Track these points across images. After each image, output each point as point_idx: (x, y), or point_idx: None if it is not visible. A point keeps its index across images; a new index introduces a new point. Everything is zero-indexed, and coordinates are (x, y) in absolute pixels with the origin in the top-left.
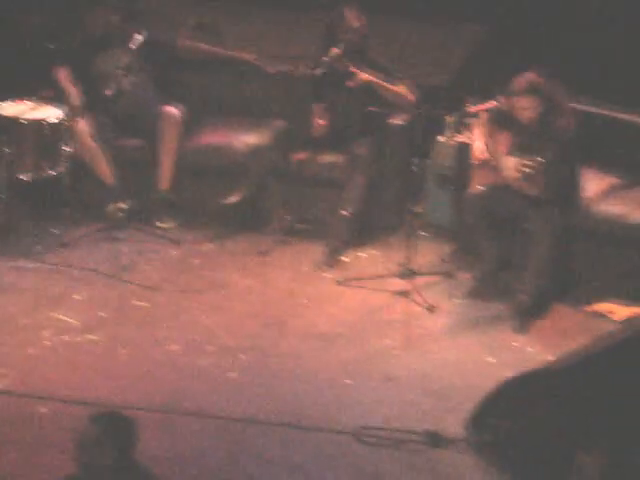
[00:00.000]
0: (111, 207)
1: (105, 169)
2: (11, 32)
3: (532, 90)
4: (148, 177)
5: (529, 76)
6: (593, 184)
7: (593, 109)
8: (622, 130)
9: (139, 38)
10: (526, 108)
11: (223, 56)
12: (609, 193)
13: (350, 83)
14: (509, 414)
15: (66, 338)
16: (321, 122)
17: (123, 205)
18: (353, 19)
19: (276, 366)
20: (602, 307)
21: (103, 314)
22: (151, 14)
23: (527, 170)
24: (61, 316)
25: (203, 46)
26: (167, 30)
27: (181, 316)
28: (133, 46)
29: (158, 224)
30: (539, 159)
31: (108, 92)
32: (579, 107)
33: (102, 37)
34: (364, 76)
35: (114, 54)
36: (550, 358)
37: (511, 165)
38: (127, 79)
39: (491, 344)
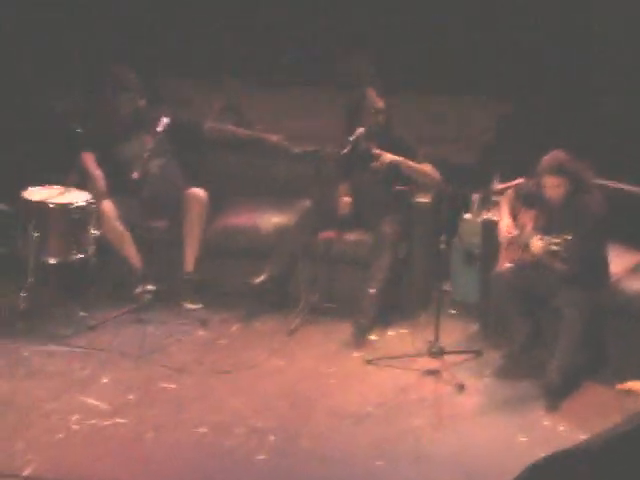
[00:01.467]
0: (138, 289)
1: (132, 252)
2: (38, 118)
3: (559, 169)
4: (175, 259)
5: (556, 155)
6: (621, 260)
7: (620, 186)
8: None
9: (165, 121)
10: (553, 187)
11: (249, 137)
12: (638, 269)
13: (375, 164)
14: None
15: (94, 422)
16: (347, 201)
17: (150, 287)
18: (376, 99)
19: (305, 447)
20: (634, 385)
21: (131, 397)
22: (175, 98)
23: (555, 248)
24: (89, 400)
25: (229, 128)
26: (192, 113)
27: (209, 397)
28: (160, 129)
29: (185, 305)
30: (567, 237)
31: (135, 175)
32: (606, 184)
33: (129, 121)
34: (388, 157)
35: (140, 138)
36: (582, 437)
37: (539, 243)
38: (154, 162)
39: (522, 423)
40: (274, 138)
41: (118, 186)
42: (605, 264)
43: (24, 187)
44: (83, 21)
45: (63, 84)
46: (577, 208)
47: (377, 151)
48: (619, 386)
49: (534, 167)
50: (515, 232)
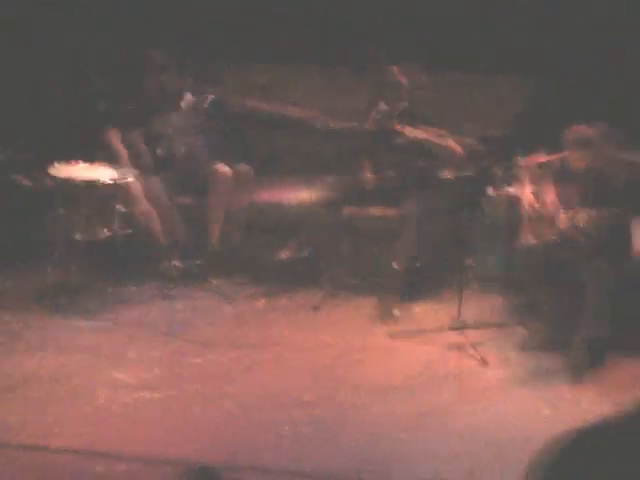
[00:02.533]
0: (165, 265)
1: (158, 228)
2: (66, 95)
3: (584, 142)
4: (201, 235)
5: (580, 128)
6: None
7: None
8: None
9: (192, 98)
10: (577, 160)
11: (275, 114)
12: None
13: (399, 141)
14: (567, 468)
15: (121, 396)
16: (372, 176)
17: (177, 263)
18: (400, 77)
19: (331, 420)
20: None
21: (157, 371)
22: (205, 76)
23: (579, 222)
24: (117, 374)
25: (256, 104)
26: (220, 90)
27: (235, 373)
28: (186, 106)
29: (212, 280)
30: (591, 211)
31: (160, 152)
32: (631, 158)
33: (155, 98)
34: (412, 133)
35: (167, 115)
36: (606, 411)
37: (563, 217)
38: (179, 139)
39: (547, 397)
40: (300, 114)
41: (145, 163)
42: (629, 238)
43: (50, 163)
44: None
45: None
46: (601, 182)
47: (399, 128)
48: None
49: (558, 141)
50: (539, 207)
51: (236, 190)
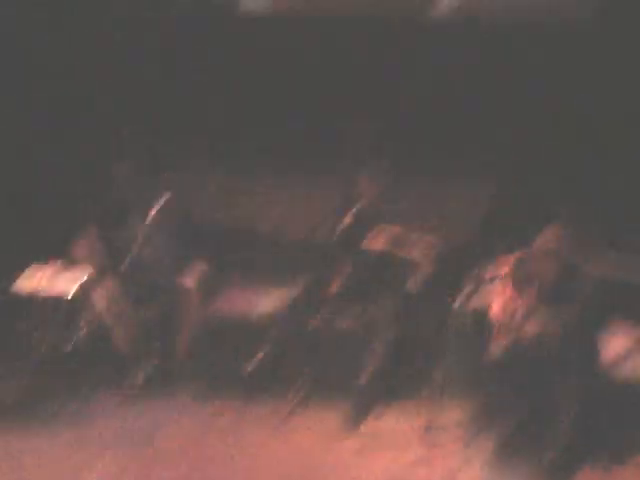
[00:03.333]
0: (131, 375)
1: (124, 338)
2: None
3: (553, 247)
4: (167, 345)
5: (550, 232)
6: (617, 340)
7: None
8: None
9: (160, 202)
10: (545, 270)
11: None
12: (635, 349)
13: (366, 249)
14: None
15: None
16: (336, 287)
17: (143, 372)
18: (367, 185)
19: None
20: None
21: None
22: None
23: (549, 329)
24: None
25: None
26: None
27: None
28: (155, 212)
29: (178, 393)
30: (561, 316)
31: (126, 260)
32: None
33: (126, 202)
34: (378, 244)
35: (134, 222)
36: None
37: (532, 324)
38: (148, 246)
39: None
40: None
41: (112, 270)
42: (598, 347)
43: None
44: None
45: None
46: (571, 290)
47: (367, 240)
48: (619, 468)
49: (526, 248)
50: (507, 316)
51: (202, 300)
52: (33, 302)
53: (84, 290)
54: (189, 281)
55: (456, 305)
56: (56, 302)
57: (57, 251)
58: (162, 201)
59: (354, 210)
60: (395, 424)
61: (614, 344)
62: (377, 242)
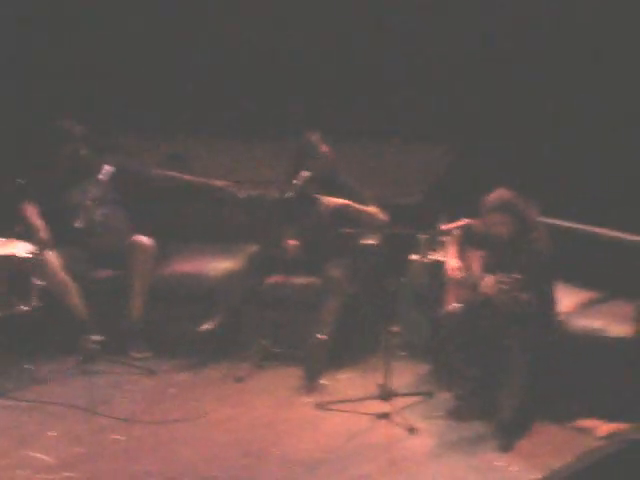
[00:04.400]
0: (84, 340)
1: (77, 302)
2: None
3: (503, 207)
4: (121, 308)
5: (500, 193)
6: (569, 299)
7: (564, 224)
8: (595, 244)
9: (109, 169)
10: (498, 225)
11: (195, 183)
12: (585, 307)
13: (321, 209)
14: None
15: (42, 476)
16: (293, 244)
17: (96, 337)
18: (319, 145)
19: None
20: (585, 423)
21: (79, 450)
22: (121, 147)
23: (502, 287)
24: (36, 454)
25: (175, 174)
26: (137, 161)
27: (159, 449)
28: (103, 177)
29: (133, 355)
30: (515, 276)
31: (78, 224)
32: (550, 222)
33: (71, 170)
34: (333, 202)
35: (83, 186)
36: (535, 477)
37: (486, 282)
38: (97, 210)
39: (475, 465)
40: (219, 183)
41: (62, 236)
42: (553, 302)
43: None
44: (27, 70)
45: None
46: (524, 246)
47: (321, 197)
48: (571, 424)
49: (480, 207)
50: (463, 272)
51: (157, 261)
52: None
53: (32, 259)
54: (143, 240)
55: (412, 261)
56: (9, 261)
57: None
58: (111, 168)
59: (308, 170)
60: (354, 381)
61: (565, 299)
62: (333, 201)
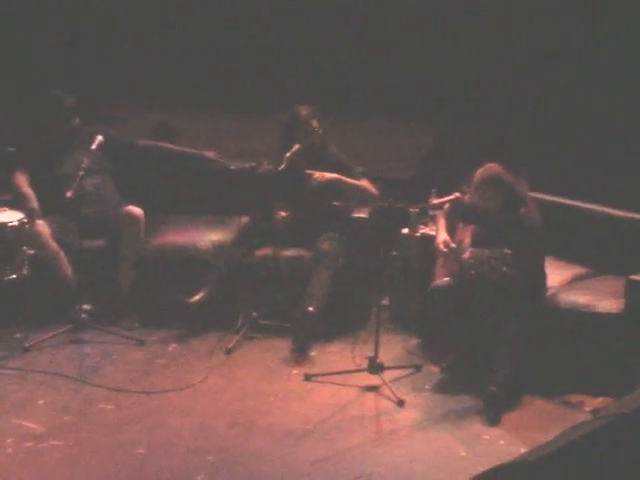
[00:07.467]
0: (74, 309)
1: (67, 271)
2: None
3: (493, 181)
4: (111, 278)
5: (490, 167)
6: (558, 274)
7: (554, 199)
8: (584, 220)
9: (99, 139)
10: (488, 199)
11: (185, 154)
12: (574, 283)
13: (312, 182)
14: None
15: (30, 445)
16: (284, 217)
17: (86, 307)
18: (310, 118)
19: (244, 467)
20: (573, 398)
21: (67, 418)
22: (111, 117)
23: (492, 261)
24: (24, 422)
25: (164, 144)
26: (126, 131)
27: (147, 418)
28: (93, 147)
29: (122, 325)
30: (505, 251)
31: (69, 194)
32: (540, 197)
33: (62, 140)
34: (324, 175)
35: (74, 156)
36: (522, 450)
37: (476, 256)
38: (88, 180)
39: (462, 437)
40: (210, 154)
41: (53, 205)
42: (543, 277)
43: None
44: (17, 39)
45: None
46: (514, 221)
47: (310, 171)
48: (559, 398)
49: (470, 181)
50: (452, 246)
51: (147, 231)
52: None
53: (22, 227)
54: (134, 211)
55: (402, 235)
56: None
57: None
58: (102, 138)
59: (299, 145)
60: (343, 353)
61: (555, 274)
62: (323, 175)
